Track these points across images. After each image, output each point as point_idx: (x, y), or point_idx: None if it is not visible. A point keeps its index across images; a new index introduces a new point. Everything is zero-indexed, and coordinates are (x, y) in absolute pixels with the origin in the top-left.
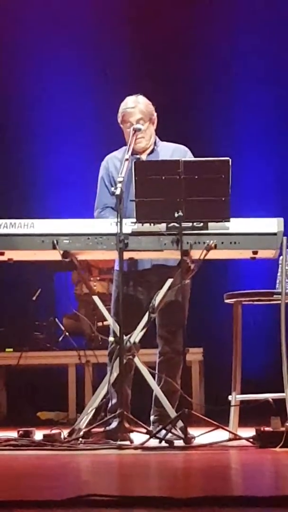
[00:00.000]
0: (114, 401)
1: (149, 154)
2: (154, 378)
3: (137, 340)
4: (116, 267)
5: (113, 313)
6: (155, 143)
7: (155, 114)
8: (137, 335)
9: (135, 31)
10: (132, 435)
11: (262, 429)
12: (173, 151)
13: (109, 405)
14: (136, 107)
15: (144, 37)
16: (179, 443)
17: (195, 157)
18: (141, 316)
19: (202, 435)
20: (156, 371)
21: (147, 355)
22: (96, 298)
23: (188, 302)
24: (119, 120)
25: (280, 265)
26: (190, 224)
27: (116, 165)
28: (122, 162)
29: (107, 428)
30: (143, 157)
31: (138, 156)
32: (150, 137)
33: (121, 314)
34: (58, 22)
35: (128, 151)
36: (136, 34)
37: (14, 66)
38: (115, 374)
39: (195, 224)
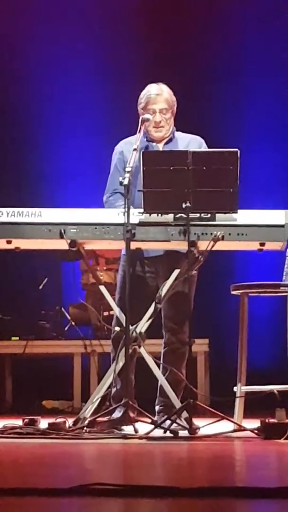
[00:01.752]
0: (118, 386)
1: (166, 143)
2: (159, 368)
3: (143, 330)
4: (123, 251)
5: (117, 299)
6: (173, 133)
7: (176, 106)
8: (143, 325)
9: (144, 21)
10: (137, 425)
11: (267, 420)
12: (189, 142)
13: (113, 391)
14: (161, 95)
15: (153, 28)
16: (183, 433)
17: (207, 145)
18: (146, 301)
19: (206, 426)
20: (161, 361)
21: (153, 346)
22: (102, 288)
23: (194, 293)
24: (140, 106)
25: (287, 257)
26: (198, 215)
27: (131, 150)
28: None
29: (112, 417)
30: (160, 146)
31: (154, 144)
32: (170, 127)
33: (127, 304)
34: (62, 12)
35: (137, 141)
36: (144, 24)
37: (20, 57)
38: (120, 364)
39: (202, 215)
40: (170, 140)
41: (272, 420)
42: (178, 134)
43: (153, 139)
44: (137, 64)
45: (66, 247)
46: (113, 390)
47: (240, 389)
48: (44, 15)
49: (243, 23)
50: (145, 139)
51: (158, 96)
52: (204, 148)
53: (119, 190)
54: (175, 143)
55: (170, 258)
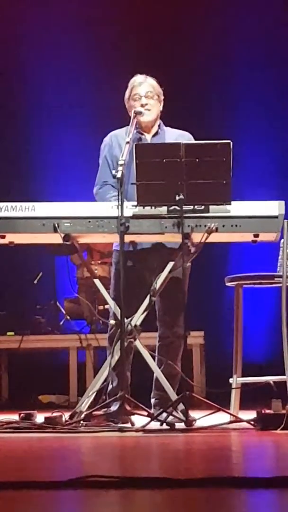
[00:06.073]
0: (114, 384)
1: (153, 136)
2: (154, 361)
3: (138, 323)
4: (115, 247)
5: (112, 296)
6: (159, 126)
7: (163, 97)
8: (138, 318)
9: (134, 13)
10: (133, 418)
11: (263, 411)
12: (177, 137)
13: (109, 388)
14: (145, 81)
15: (143, 19)
16: (180, 425)
17: (196, 140)
18: (140, 297)
19: (203, 418)
20: (156, 354)
21: (148, 338)
22: (97, 282)
23: (188, 285)
24: (126, 96)
25: (281, 248)
26: (191, 207)
27: (120, 143)
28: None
29: (108, 410)
30: (148, 138)
31: (142, 136)
32: (156, 114)
33: (122, 297)
34: (56, 4)
35: (129, 134)
36: (134, 15)
37: (13, 49)
38: (116, 357)
39: (196, 207)
40: (157, 133)
41: (268, 411)
42: (167, 129)
43: (142, 128)
44: (127, 57)
45: (60, 241)
46: (109, 386)
47: (236, 380)
48: (35, 9)
49: (235, 14)
50: (135, 131)
51: (142, 82)
52: None
53: (109, 182)
54: (163, 136)
55: (160, 251)
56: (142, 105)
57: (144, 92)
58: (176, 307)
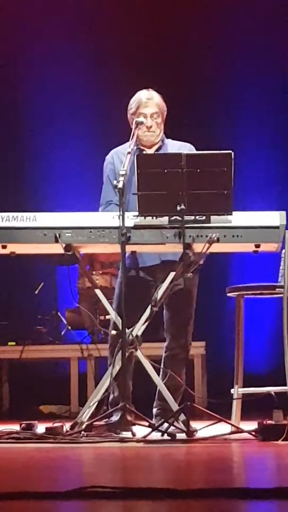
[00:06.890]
0: (115, 394)
1: (156, 150)
2: (158, 372)
3: (139, 333)
4: (127, 264)
5: (115, 307)
6: (162, 140)
7: (166, 110)
8: (139, 328)
9: (132, 21)
10: (135, 428)
11: (264, 422)
12: (179, 149)
13: (110, 397)
14: (151, 100)
15: (145, 30)
16: (181, 436)
17: (197, 150)
18: (144, 307)
19: (204, 428)
20: (162, 366)
21: (151, 349)
22: (98, 292)
23: (196, 297)
24: (131, 111)
25: (282, 259)
26: (193, 217)
27: (122, 160)
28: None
29: (109, 421)
30: (150, 152)
31: (144, 150)
32: (160, 132)
33: (123, 307)
34: (57, 13)
35: (131, 144)
36: (134, 25)
37: (12, 60)
38: (117, 368)
39: (197, 217)
40: (160, 147)
41: (269, 422)
42: (168, 141)
43: (143, 145)
44: (129, 68)
45: (61, 251)
46: (110, 396)
47: (237, 391)
48: (39, 17)
49: (234, 21)
50: (136, 147)
51: (148, 101)
52: None
53: (113, 201)
54: (165, 150)
55: (167, 266)
56: (147, 127)
57: (150, 113)
58: (182, 318)
